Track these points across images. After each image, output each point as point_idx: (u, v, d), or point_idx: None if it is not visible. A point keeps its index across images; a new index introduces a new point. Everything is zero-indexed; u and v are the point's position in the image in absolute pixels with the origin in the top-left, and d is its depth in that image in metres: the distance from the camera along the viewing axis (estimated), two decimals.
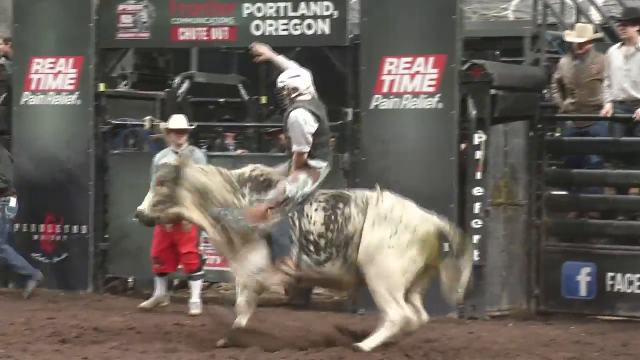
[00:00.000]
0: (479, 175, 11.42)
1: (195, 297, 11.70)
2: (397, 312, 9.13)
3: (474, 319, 11.31)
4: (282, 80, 9.68)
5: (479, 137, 11.44)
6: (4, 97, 13.18)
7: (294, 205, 9.30)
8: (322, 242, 9.26)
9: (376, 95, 11.80)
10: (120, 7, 12.77)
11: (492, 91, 11.48)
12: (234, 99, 14.57)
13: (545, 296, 11.73)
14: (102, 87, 12.97)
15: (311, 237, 9.27)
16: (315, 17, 12.05)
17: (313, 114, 9.41)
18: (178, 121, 11.91)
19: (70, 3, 13.03)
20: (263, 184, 9.45)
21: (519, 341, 10.10)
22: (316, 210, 9.30)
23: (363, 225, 9.19)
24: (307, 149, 9.36)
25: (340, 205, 9.30)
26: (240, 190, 9.43)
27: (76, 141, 12.86)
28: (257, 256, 9.28)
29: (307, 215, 9.30)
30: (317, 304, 12.38)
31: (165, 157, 11.65)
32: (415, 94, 11.66)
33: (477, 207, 11.41)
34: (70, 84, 12.97)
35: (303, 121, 9.37)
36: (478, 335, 10.35)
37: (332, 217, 9.26)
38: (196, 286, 11.76)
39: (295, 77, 9.68)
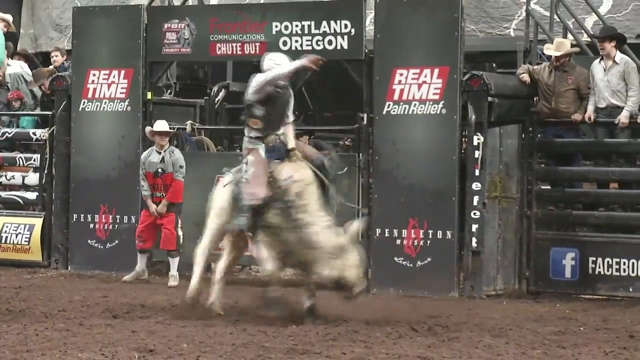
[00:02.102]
0: (477, 172, 11.40)
1: (173, 271, 11.97)
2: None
3: (472, 298, 11.29)
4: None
5: (477, 139, 11.41)
6: (64, 104, 13.23)
7: None
8: None
9: (388, 102, 11.78)
10: (166, 25, 12.77)
11: (490, 99, 11.46)
12: None
13: (535, 278, 11.69)
14: (149, 95, 12.99)
15: None
16: (335, 34, 12.04)
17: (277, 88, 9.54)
18: (161, 125, 12.17)
19: (122, 22, 13.04)
20: None
21: (511, 317, 10.10)
22: None
23: None
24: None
25: None
26: None
27: (127, 143, 12.90)
28: None
29: None
30: None
31: (150, 155, 11.98)
32: (422, 101, 11.64)
33: (475, 200, 11.39)
34: (122, 93, 12.99)
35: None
36: (476, 312, 10.34)
37: None
38: (174, 262, 12.02)
39: (268, 59, 9.71)
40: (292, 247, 9.28)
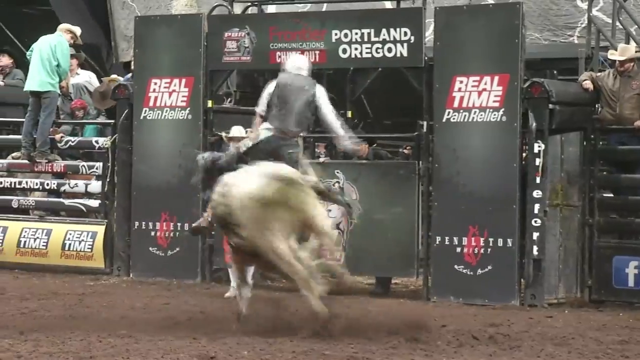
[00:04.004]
0: (538, 180, 11.30)
1: (249, 279, 11.72)
2: None
3: (534, 306, 11.19)
4: None
5: (538, 147, 11.32)
6: (126, 112, 13.32)
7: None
8: None
9: (448, 110, 11.72)
10: (226, 34, 12.80)
11: (550, 106, 11.37)
12: None
13: (597, 286, 11.56)
14: (210, 103, 13.03)
15: None
16: (394, 41, 12.00)
17: (277, 84, 9.58)
18: (237, 131, 12.09)
19: (183, 31, 13.11)
20: None
21: (574, 326, 10.00)
22: None
23: None
24: (259, 110, 9.58)
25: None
26: None
27: (187, 150, 12.86)
28: None
29: None
30: (395, 293, 12.34)
31: None
32: (482, 109, 11.57)
33: (536, 207, 11.29)
34: (183, 101, 13.05)
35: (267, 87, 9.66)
36: (537, 321, 10.26)
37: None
38: (249, 270, 11.79)
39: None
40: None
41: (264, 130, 9.54)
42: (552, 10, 13.99)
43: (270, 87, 9.67)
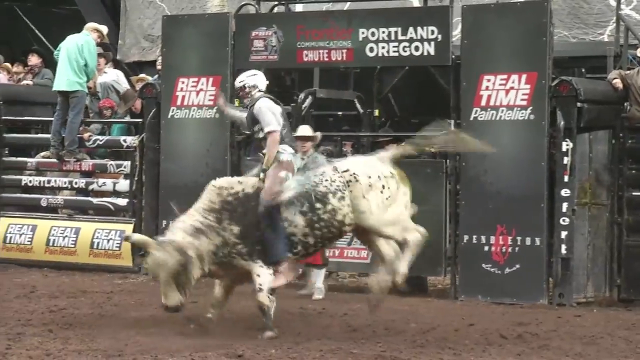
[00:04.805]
0: (566, 179, 11.27)
1: (319, 283, 11.69)
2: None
3: (562, 306, 11.13)
4: (242, 79, 9.50)
5: (566, 145, 11.28)
6: (154, 111, 13.36)
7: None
8: (311, 240, 9.07)
9: (475, 108, 11.69)
10: (253, 33, 12.82)
11: (579, 104, 11.33)
12: (350, 112, 14.56)
13: (626, 285, 11.50)
14: (237, 102, 13.03)
15: (295, 239, 9.04)
16: (421, 40, 11.97)
17: (275, 102, 9.32)
18: (304, 130, 11.94)
19: (210, 30, 13.12)
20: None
21: (602, 325, 9.96)
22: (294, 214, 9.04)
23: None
24: (279, 127, 9.21)
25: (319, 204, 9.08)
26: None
27: (215, 149, 12.95)
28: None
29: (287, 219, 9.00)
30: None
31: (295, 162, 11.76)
32: (510, 107, 11.54)
33: (565, 206, 11.25)
34: (210, 100, 12.96)
35: (268, 107, 9.26)
36: (566, 320, 10.22)
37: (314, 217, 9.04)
38: (319, 274, 11.72)
39: (253, 75, 9.52)
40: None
41: (288, 152, 9.40)
42: (583, 8, 13.93)
43: (277, 108, 9.39)
